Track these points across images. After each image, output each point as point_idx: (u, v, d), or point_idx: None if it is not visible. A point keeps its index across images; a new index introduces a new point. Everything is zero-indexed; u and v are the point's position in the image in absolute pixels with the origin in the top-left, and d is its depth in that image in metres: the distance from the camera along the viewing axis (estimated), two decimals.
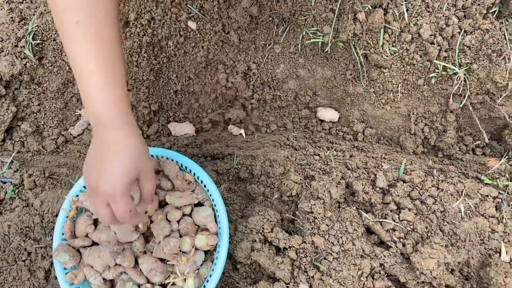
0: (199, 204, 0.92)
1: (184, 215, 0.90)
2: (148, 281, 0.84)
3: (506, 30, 1.04)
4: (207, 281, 0.84)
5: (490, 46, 1.03)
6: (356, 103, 1.21)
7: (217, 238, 0.85)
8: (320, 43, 1.14)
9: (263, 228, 0.91)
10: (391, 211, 0.93)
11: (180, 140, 1.21)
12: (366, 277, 0.86)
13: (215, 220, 0.88)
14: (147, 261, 0.82)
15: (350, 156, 1.13)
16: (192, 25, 1.16)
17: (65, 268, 0.87)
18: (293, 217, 0.97)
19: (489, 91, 1.08)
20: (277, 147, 1.16)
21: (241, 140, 1.23)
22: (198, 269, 0.85)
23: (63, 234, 0.90)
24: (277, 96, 1.25)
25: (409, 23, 1.06)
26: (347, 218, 0.90)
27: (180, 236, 0.88)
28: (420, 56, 1.09)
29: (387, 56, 1.09)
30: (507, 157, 1.09)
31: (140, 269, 0.83)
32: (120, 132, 0.67)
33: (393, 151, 1.17)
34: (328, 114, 1.22)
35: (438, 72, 1.08)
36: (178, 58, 1.20)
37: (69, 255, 0.86)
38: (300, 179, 1.01)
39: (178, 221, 0.88)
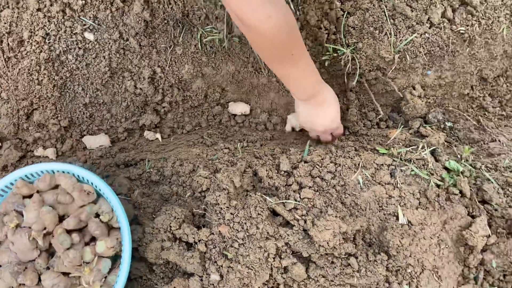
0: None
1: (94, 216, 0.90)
2: None
3: (386, 7, 1.10)
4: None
5: (372, 24, 1.09)
6: (263, 93, 1.24)
7: (115, 238, 0.85)
8: (217, 40, 1.16)
9: (170, 226, 0.92)
10: (293, 191, 0.96)
11: (95, 153, 1.20)
12: (273, 258, 0.89)
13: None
14: (49, 277, 0.82)
15: (261, 145, 1.16)
16: (89, 36, 1.16)
17: None
18: (204, 212, 0.99)
19: (380, 66, 1.14)
20: (190, 146, 1.18)
21: (156, 144, 1.24)
22: (105, 277, 0.86)
23: None
24: (187, 97, 1.26)
25: (296, 12, 1.10)
26: (252, 204, 0.93)
27: (94, 241, 0.88)
28: (312, 42, 1.14)
29: None
30: (402, 126, 1.15)
31: (43, 286, 0.82)
32: (322, 94, 1.03)
33: (302, 135, 1.22)
34: (239, 108, 1.25)
35: (329, 54, 1.13)
36: (82, 71, 1.19)
37: None
38: (209, 174, 1.03)
39: (82, 228, 0.88)
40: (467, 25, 1.08)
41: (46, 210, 0.85)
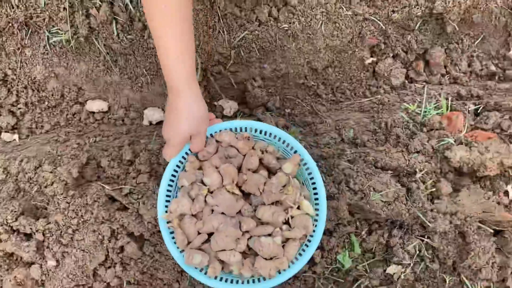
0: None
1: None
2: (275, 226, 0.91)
3: (219, 8, 1.22)
4: (316, 198, 0.95)
5: (205, 23, 1.20)
6: (118, 90, 1.31)
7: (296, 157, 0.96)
8: (64, 41, 1.21)
9: (6, 219, 0.96)
10: (133, 178, 1.05)
11: None
12: (109, 240, 0.97)
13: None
14: (264, 210, 0.90)
15: (115, 139, 1.23)
16: None
17: (201, 270, 0.90)
18: (46, 204, 1.03)
19: (220, 61, 1.26)
20: (44, 145, 1.22)
21: (13, 145, 1.26)
22: (301, 193, 0.95)
23: (177, 247, 0.90)
24: (43, 97, 1.29)
25: (137, 13, 1.19)
26: (90, 193, 1.00)
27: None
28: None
29: (126, 44, 1.21)
30: (244, 115, 1.29)
31: (262, 222, 0.91)
32: (185, 100, 0.87)
33: (159, 128, 1.30)
34: (96, 105, 1.31)
35: None
36: None
37: (200, 254, 0.88)
38: (53, 169, 1.08)
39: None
40: (290, 23, 1.23)
41: (225, 165, 0.93)
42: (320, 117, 1.31)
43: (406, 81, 1.36)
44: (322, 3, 1.24)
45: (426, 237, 1.06)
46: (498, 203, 1.03)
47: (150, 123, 1.33)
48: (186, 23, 0.83)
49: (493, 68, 1.36)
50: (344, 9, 1.25)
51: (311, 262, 1.04)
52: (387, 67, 1.34)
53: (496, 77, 1.36)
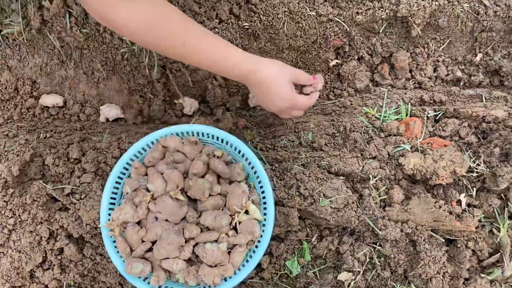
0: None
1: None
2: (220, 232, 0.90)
3: (178, 3, 1.19)
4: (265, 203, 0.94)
5: None
6: (74, 85, 1.27)
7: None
8: (16, 33, 1.17)
9: None
10: (78, 177, 1.01)
11: None
12: (47, 241, 0.94)
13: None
14: (207, 215, 0.89)
15: (66, 135, 1.19)
16: None
17: (145, 279, 0.88)
18: None
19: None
20: None
21: None
22: (249, 197, 0.93)
23: (120, 256, 0.89)
24: None
25: None
26: (30, 191, 0.96)
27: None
28: (111, 35, 1.19)
29: (81, 38, 1.17)
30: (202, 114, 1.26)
31: (208, 227, 0.90)
32: (262, 73, 0.92)
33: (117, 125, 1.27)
34: (51, 100, 1.27)
35: (128, 47, 1.19)
36: None
37: (141, 263, 0.86)
38: None
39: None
40: (251, 21, 1.20)
41: (169, 171, 0.90)
42: (281, 119, 1.28)
43: (371, 85, 1.34)
44: (285, 2, 1.21)
45: (377, 244, 1.04)
46: (451, 212, 1.02)
47: (107, 120, 1.30)
48: (198, 25, 0.87)
49: (459, 73, 1.34)
50: (308, 9, 1.22)
51: (259, 268, 1.02)
52: (351, 70, 1.32)
53: (461, 83, 1.34)
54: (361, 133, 1.17)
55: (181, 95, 1.27)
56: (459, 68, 1.36)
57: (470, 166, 1.03)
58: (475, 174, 1.03)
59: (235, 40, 1.22)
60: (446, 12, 1.26)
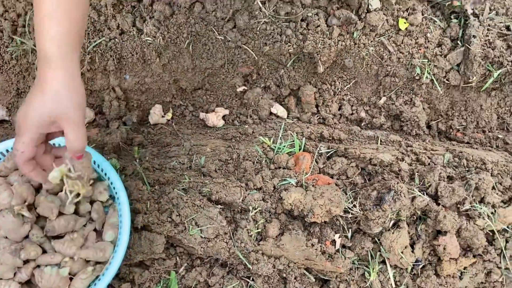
0: None
1: None
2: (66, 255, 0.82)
3: None
4: None
5: None
6: None
7: None
8: None
9: None
10: None
11: None
12: None
13: None
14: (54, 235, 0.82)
15: None
16: None
17: None
18: None
19: None
20: None
21: None
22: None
23: None
24: None
25: None
26: None
27: None
28: (1, 31, 1.11)
29: None
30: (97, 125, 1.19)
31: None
32: (54, 72, 0.66)
33: None
34: None
35: (17, 46, 1.12)
36: None
37: None
38: None
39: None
40: (154, 37, 1.17)
41: (17, 183, 0.83)
42: (180, 139, 1.25)
43: (275, 115, 1.34)
44: (191, 22, 1.19)
45: (250, 279, 1.01)
46: (324, 252, 1.00)
47: None
48: None
49: (362, 114, 1.37)
50: (216, 32, 1.21)
51: None
52: (255, 97, 1.31)
53: (363, 123, 1.37)
54: (253, 163, 1.15)
55: None
56: (363, 109, 1.39)
57: (346, 207, 1.03)
58: (350, 215, 1.03)
59: (136, 53, 1.18)
60: (352, 53, 1.29)
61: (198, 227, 0.96)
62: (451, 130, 1.40)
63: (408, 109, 1.34)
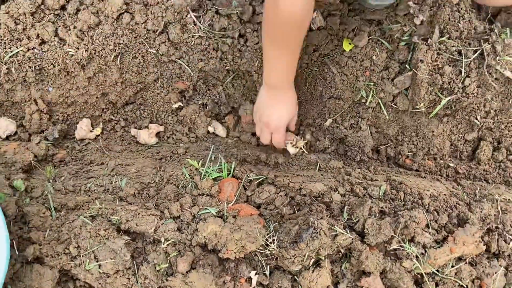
0: None
1: None
2: None
3: None
4: None
5: None
6: None
7: None
8: None
9: None
10: None
11: None
12: None
13: None
14: None
15: None
16: None
17: None
18: None
19: None
20: None
21: None
22: None
23: None
24: None
25: None
26: None
27: None
28: None
29: None
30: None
31: None
32: (286, 92, 1.12)
33: None
34: None
35: None
36: None
37: None
38: None
39: None
40: (77, 48, 1.10)
41: None
42: (106, 157, 1.17)
43: (214, 134, 1.27)
44: (119, 34, 1.11)
45: None
46: None
47: None
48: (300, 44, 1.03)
49: (308, 136, 1.30)
50: (147, 45, 1.14)
51: None
52: (191, 114, 1.24)
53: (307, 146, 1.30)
54: (178, 187, 1.08)
55: None
56: (310, 130, 1.32)
57: (264, 243, 0.96)
58: (268, 252, 0.96)
59: (58, 65, 1.11)
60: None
61: (97, 261, 0.89)
62: (400, 156, 1.33)
63: (354, 133, 1.27)
